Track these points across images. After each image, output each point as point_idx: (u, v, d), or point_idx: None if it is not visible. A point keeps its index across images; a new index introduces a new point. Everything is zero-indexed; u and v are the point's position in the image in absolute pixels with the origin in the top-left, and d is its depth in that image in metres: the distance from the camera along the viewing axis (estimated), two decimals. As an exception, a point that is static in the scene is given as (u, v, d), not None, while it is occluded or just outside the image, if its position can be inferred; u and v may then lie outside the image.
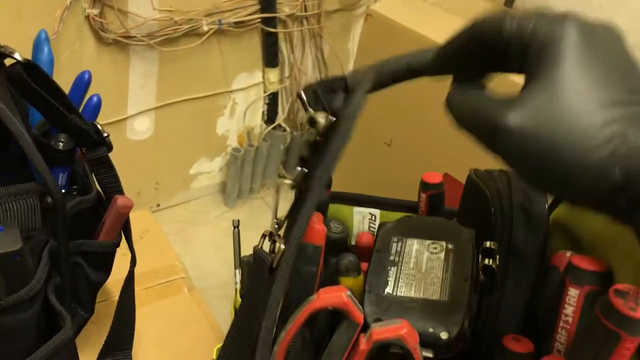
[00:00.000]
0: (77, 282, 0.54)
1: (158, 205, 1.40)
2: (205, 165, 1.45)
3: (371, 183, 1.01)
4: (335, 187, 0.59)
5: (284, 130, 1.50)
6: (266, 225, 0.42)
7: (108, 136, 0.53)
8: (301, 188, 0.41)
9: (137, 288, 0.72)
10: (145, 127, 1.29)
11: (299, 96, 0.39)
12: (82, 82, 0.62)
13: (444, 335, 0.41)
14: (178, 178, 1.41)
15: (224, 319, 0.60)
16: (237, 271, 0.61)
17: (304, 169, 0.40)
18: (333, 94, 0.39)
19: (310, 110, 0.38)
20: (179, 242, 1.31)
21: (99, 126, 0.54)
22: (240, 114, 1.44)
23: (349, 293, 0.38)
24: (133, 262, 0.56)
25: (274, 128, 1.50)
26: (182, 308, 0.71)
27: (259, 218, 1.38)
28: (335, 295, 0.38)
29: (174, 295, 0.72)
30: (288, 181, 0.42)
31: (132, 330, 0.58)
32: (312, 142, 0.39)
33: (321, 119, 0.37)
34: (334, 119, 0.37)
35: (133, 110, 1.24)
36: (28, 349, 0.48)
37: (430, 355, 0.42)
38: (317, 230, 0.39)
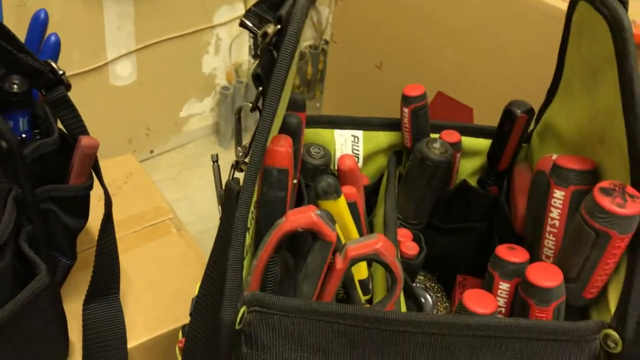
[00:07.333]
0: (53, 229, 0.53)
1: (152, 152, 1.38)
2: (196, 107, 1.41)
3: (362, 108, 0.97)
4: (325, 113, 0.56)
5: (274, 64, 1.46)
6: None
7: (64, 74, 0.50)
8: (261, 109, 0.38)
9: (124, 232, 0.70)
10: (127, 71, 1.25)
11: (242, 25, 0.36)
12: (39, 22, 0.58)
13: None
14: (169, 122, 1.38)
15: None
16: (219, 207, 0.59)
17: (260, 87, 0.37)
18: (278, 8, 0.35)
19: (259, 31, 0.35)
20: (177, 187, 1.29)
21: (54, 65, 0.50)
22: (225, 50, 1.39)
23: (318, 212, 0.36)
24: (108, 203, 0.54)
25: (263, 63, 1.45)
26: (172, 249, 0.69)
27: (255, 156, 1.35)
28: (303, 216, 0.35)
29: (162, 237, 0.70)
30: (247, 104, 0.39)
31: (117, 274, 0.57)
32: (265, 58, 0.36)
33: (270, 29, 0.34)
34: (279, 26, 0.34)
35: (112, 55, 1.19)
36: (6, 299, 0.47)
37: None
38: (279, 152, 0.37)
